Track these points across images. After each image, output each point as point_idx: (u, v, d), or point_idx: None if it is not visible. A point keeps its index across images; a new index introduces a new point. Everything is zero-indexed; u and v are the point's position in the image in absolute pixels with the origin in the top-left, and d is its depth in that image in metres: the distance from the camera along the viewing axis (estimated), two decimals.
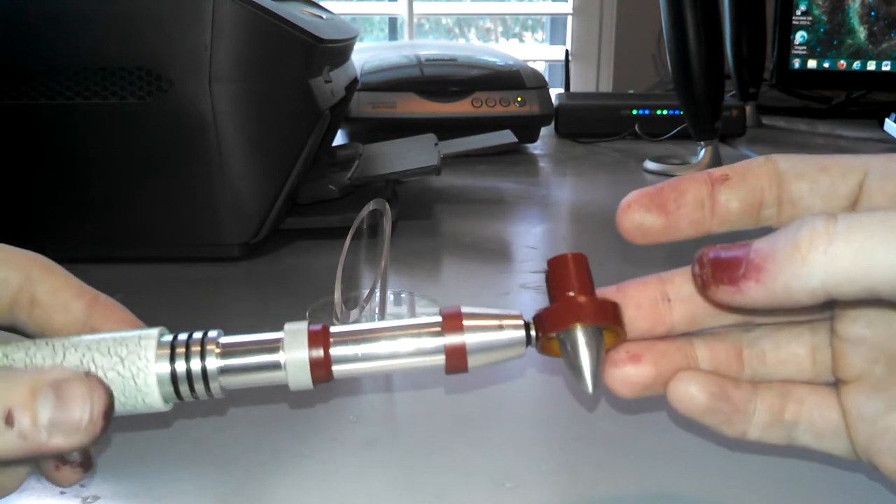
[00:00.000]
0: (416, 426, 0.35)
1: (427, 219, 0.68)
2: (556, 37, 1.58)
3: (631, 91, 1.29)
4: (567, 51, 1.19)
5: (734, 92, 1.17)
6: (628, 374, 0.25)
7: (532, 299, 0.50)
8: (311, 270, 0.55)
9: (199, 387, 0.25)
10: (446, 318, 0.25)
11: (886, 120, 1.08)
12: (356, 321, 0.39)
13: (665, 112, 1.04)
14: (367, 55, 1.00)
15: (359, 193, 0.63)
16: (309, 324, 0.25)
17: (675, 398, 0.25)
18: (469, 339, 0.25)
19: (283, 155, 0.55)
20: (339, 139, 0.92)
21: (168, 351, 0.24)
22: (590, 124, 1.05)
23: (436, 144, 0.71)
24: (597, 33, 1.46)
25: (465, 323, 0.25)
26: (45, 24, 0.51)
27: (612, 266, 0.54)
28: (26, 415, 0.20)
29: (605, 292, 0.26)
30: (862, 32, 1.13)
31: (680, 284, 0.26)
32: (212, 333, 0.25)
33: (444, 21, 1.72)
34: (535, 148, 1.01)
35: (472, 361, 0.25)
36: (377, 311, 0.40)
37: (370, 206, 0.44)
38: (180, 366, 0.24)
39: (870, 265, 0.19)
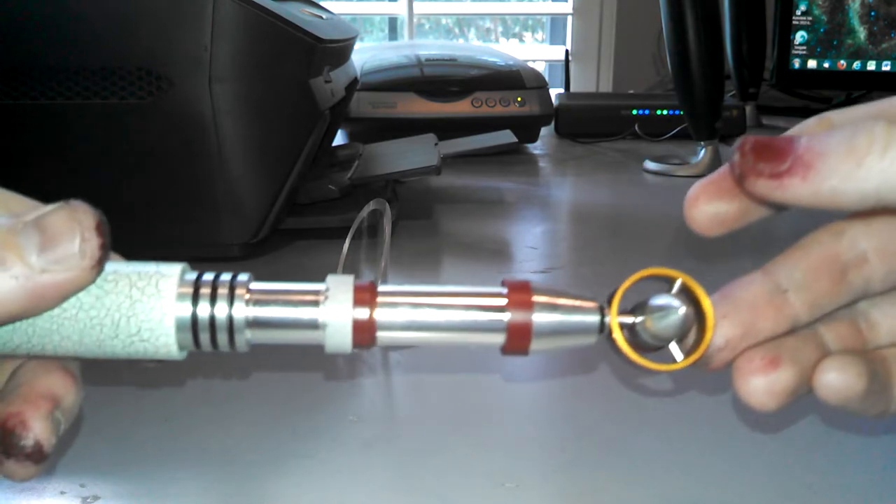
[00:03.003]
0: (416, 426, 0.35)
1: (427, 219, 0.68)
2: (556, 37, 1.58)
3: (631, 91, 1.29)
4: (567, 51, 1.19)
5: (734, 92, 1.17)
6: (772, 382, 0.23)
7: None
8: (311, 270, 0.55)
9: (223, 337, 0.21)
10: (513, 291, 0.22)
11: None
12: None
13: (665, 112, 1.04)
14: (367, 55, 1.00)
15: (359, 193, 0.63)
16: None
17: (828, 389, 0.23)
18: (538, 318, 0.22)
19: (283, 155, 0.55)
20: (339, 139, 0.92)
21: (191, 290, 0.21)
22: (590, 124, 1.05)
23: (436, 144, 0.71)
24: (597, 33, 1.46)
25: (536, 299, 0.22)
26: (45, 24, 0.50)
27: (611, 266, 0.54)
28: (10, 254, 0.19)
29: None
30: (862, 32, 1.13)
31: (790, 272, 0.24)
32: (242, 277, 0.22)
33: (444, 21, 1.72)
34: (535, 148, 1.01)
35: (536, 345, 0.22)
36: None
37: (370, 206, 0.44)
38: (203, 310, 0.21)
39: None
